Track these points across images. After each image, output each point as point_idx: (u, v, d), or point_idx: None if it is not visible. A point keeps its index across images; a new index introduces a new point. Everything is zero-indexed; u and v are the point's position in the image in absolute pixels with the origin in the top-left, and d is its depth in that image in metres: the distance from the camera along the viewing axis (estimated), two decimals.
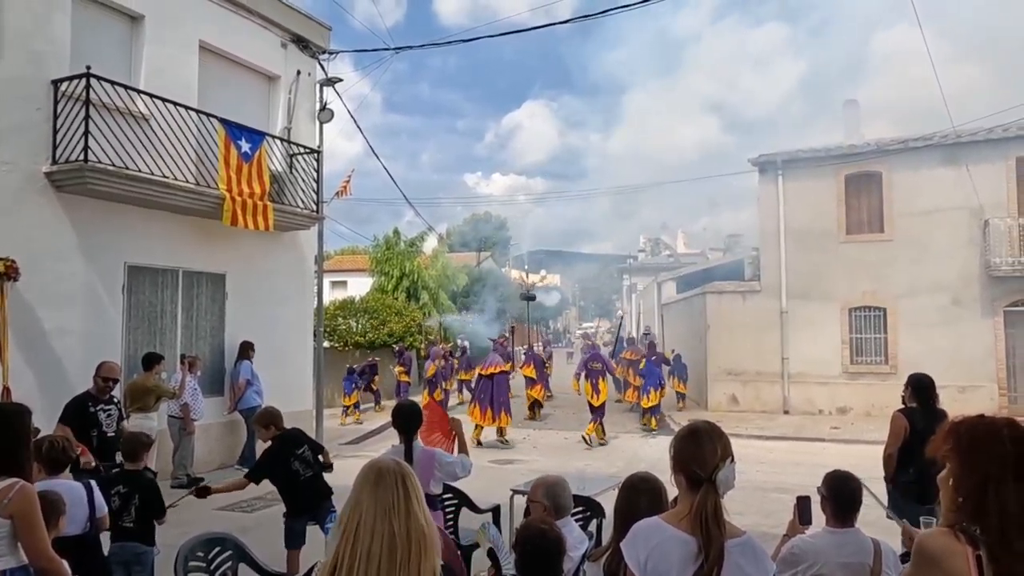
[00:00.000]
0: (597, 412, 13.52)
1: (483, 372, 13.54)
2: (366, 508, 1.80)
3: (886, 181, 16.39)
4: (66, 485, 4.00)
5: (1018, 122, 15.29)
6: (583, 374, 14.25)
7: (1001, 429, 1.82)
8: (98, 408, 6.56)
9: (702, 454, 2.21)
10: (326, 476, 5.75)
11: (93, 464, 6.02)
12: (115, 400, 6.85)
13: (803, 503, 3.24)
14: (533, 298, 23.70)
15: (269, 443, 5.65)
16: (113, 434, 6.57)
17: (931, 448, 1.95)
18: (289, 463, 5.52)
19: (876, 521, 4.58)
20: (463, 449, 4.80)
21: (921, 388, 5.58)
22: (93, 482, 4.24)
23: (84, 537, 3.97)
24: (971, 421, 1.90)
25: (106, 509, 4.19)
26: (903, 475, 5.34)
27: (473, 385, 13.94)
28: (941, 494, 1.91)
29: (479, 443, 12.99)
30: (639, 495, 2.88)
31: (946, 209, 15.71)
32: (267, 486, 9.07)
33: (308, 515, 5.57)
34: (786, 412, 16.64)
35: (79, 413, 6.48)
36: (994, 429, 1.83)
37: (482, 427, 13.32)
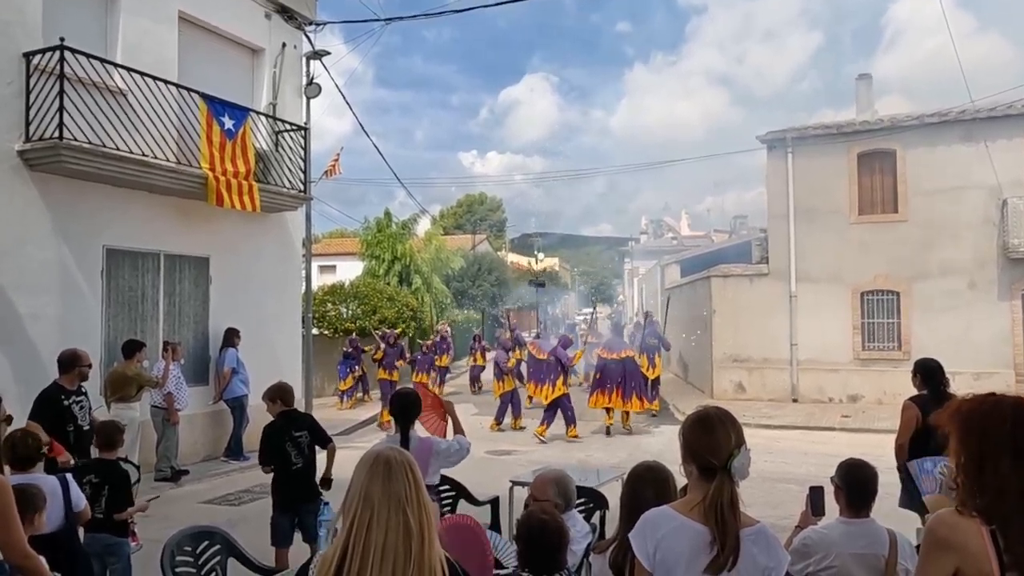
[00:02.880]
0: (654, 385, 14.96)
1: (608, 356, 13.49)
2: (379, 501, 1.84)
3: (900, 159, 16.35)
4: (38, 480, 3.99)
5: None
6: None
7: (1005, 407, 1.84)
8: (71, 400, 6.37)
9: (715, 441, 2.21)
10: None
11: (72, 463, 5.80)
12: (83, 390, 6.66)
13: (815, 493, 3.26)
14: (543, 284, 23.51)
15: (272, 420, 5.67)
16: (88, 427, 6.43)
17: (934, 419, 1.99)
18: (283, 444, 5.51)
19: (891, 512, 4.62)
20: (458, 430, 4.82)
21: (929, 373, 5.61)
22: (69, 475, 4.24)
23: (60, 533, 3.97)
24: (976, 399, 1.92)
25: (84, 503, 4.20)
26: None
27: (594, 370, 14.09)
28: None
29: (609, 431, 13.31)
30: (645, 485, 2.90)
31: (963, 188, 15.69)
32: (255, 477, 9.11)
33: (292, 513, 5.53)
34: (795, 400, 16.69)
35: (53, 407, 6.29)
36: (998, 407, 1.85)
37: (612, 412, 13.53)
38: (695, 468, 2.25)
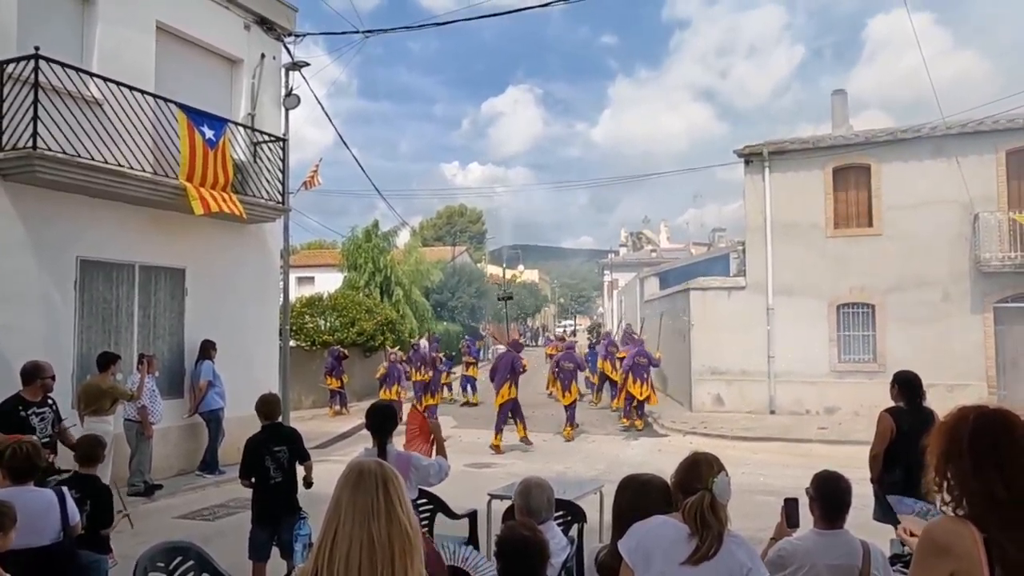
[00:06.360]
0: (640, 407, 15.60)
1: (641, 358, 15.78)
2: (344, 512, 1.79)
3: (875, 174, 16.61)
4: (34, 493, 3.95)
5: (1007, 113, 15.57)
6: (628, 371, 15.75)
7: (970, 411, 1.93)
8: (30, 412, 6.34)
9: (697, 471, 2.56)
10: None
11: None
12: (50, 402, 6.65)
13: (790, 505, 3.29)
14: (511, 297, 23.81)
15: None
16: (47, 440, 6.37)
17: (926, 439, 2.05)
18: (263, 458, 5.48)
19: (865, 523, 4.67)
20: (441, 452, 4.81)
21: (907, 386, 5.68)
22: (65, 488, 4.19)
23: (58, 547, 3.92)
24: (958, 408, 1.99)
25: (78, 517, 4.16)
26: (890, 476, 5.44)
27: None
28: None
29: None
30: (642, 495, 2.91)
31: (936, 203, 15.97)
32: (231, 491, 9.02)
33: (270, 526, 5.51)
34: (772, 412, 16.81)
35: (8, 418, 6.22)
36: (964, 413, 1.94)
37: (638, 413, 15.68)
38: (681, 495, 2.53)
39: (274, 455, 5.49)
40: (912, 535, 2.38)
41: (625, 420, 15.60)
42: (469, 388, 21.15)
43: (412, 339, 22.11)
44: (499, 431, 13.28)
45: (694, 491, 2.46)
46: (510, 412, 13.46)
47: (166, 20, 10.58)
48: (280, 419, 5.81)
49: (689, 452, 2.78)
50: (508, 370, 13.54)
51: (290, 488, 5.55)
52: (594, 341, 23.23)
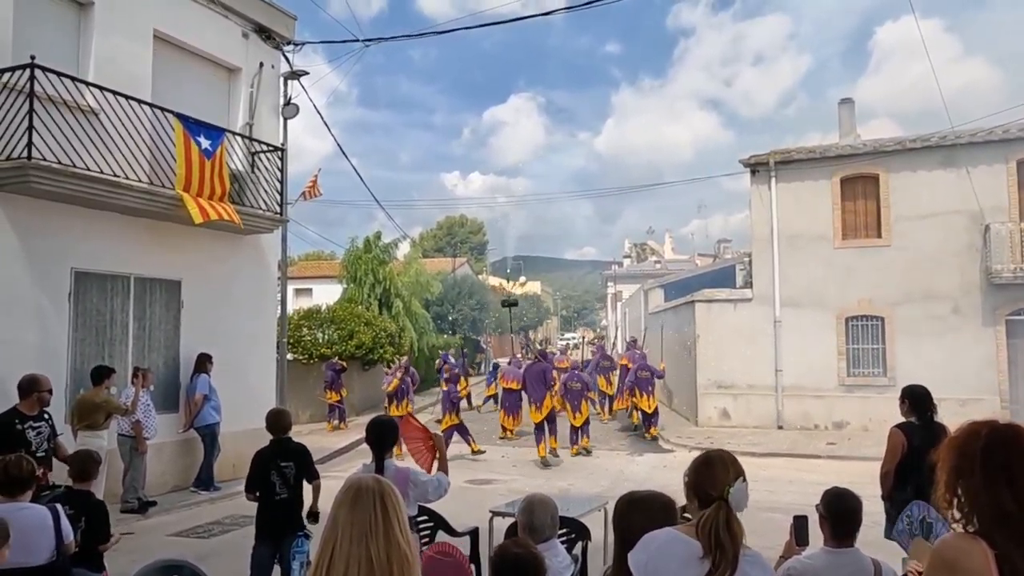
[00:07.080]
0: (652, 418, 15.98)
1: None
2: (342, 530, 1.79)
3: (883, 184, 16.64)
4: (28, 510, 3.94)
5: (1018, 122, 15.61)
6: (632, 385, 16.28)
7: (982, 426, 1.92)
8: (27, 425, 6.36)
9: (713, 475, 2.45)
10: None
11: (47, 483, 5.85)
12: (46, 416, 6.66)
13: (799, 523, 3.27)
14: (515, 303, 23.65)
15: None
16: (43, 454, 6.39)
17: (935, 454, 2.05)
18: (269, 473, 5.46)
19: (876, 541, 4.65)
20: (443, 467, 4.80)
21: (917, 400, 5.67)
22: (59, 506, 4.19)
23: (52, 567, 3.90)
24: (969, 423, 1.99)
25: (72, 534, 4.15)
26: (901, 493, 5.42)
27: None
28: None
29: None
30: (642, 511, 2.89)
31: (946, 213, 15.98)
32: (226, 508, 9.01)
33: (273, 543, 5.47)
34: (780, 427, 16.77)
35: (5, 432, 6.24)
36: (975, 428, 1.93)
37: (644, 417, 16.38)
38: (696, 502, 2.44)
39: (281, 470, 5.47)
40: (920, 574, 2.37)
41: (654, 430, 15.94)
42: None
43: (403, 352, 21.96)
44: (554, 436, 13.62)
45: (708, 497, 2.37)
46: (546, 423, 13.52)
47: (163, 28, 10.66)
48: (289, 433, 5.78)
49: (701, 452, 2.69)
50: (542, 381, 13.78)
51: (295, 505, 5.52)
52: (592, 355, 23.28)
